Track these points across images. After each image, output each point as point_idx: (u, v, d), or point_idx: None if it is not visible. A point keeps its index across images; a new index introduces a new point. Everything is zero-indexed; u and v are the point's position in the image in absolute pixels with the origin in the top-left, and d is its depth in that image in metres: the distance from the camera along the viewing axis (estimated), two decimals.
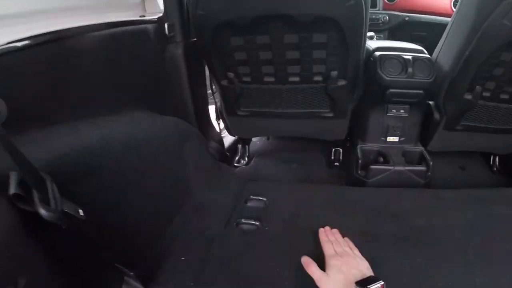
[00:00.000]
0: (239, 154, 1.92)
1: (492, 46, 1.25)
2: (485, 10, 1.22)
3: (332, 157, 1.84)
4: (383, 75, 1.42)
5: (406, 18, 2.41)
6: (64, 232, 0.64)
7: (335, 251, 0.95)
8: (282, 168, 1.80)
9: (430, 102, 1.64)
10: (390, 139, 1.60)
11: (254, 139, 2.08)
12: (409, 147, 1.61)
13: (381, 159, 1.58)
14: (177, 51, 1.43)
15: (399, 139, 1.60)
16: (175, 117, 1.39)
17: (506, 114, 1.51)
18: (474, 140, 1.66)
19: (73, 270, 0.71)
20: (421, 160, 1.60)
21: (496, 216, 1.21)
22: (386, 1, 2.45)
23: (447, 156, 1.81)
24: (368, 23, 1.27)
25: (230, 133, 1.81)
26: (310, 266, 0.89)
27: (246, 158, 1.90)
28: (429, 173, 1.54)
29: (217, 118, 1.79)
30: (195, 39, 1.46)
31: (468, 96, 1.43)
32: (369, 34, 2.33)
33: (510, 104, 1.46)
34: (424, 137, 1.67)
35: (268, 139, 2.09)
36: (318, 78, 1.43)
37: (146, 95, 1.31)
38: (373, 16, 2.41)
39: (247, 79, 1.46)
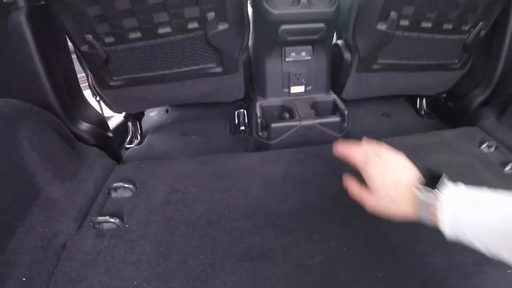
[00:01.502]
0: (130, 133, 1.60)
1: None
2: None
3: (236, 121, 1.57)
4: (269, 9, 1.15)
5: None
6: None
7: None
8: (180, 142, 1.51)
9: (339, 41, 1.40)
10: (294, 89, 1.35)
11: (150, 113, 1.77)
12: (319, 96, 1.38)
13: (287, 115, 1.33)
14: (20, 18, 1.08)
15: (305, 88, 1.36)
16: (6, 98, 1.06)
17: (429, 47, 1.30)
18: (395, 82, 1.46)
19: None
20: (335, 110, 1.37)
21: (445, 164, 1.02)
22: None
23: (368, 103, 1.61)
24: None
25: (112, 110, 1.48)
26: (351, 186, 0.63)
27: (139, 137, 1.59)
28: (346, 124, 1.31)
29: (93, 95, 1.46)
30: (43, 2, 1.12)
31: (382, 26, 1.20)
32: None
33: (434, 34, 1.25)
34: (336, 84, 1.44)
35: (167, 111, 1.79)
36: (193, 24, 1.14)
37: None
38: None
39: (110, 39, 1.14)
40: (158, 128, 1.63)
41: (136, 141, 1.58)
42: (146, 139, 1.57)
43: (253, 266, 0.76)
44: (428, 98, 1.69)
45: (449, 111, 1.58)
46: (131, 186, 1.02)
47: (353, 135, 1.35)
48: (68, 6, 1.02)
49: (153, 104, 1.60)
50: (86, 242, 0.87)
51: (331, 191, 0.96)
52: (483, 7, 1.17)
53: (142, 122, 1.64)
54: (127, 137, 1.60)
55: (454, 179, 0.52)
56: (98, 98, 1.45)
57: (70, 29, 1.10)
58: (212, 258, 0.79)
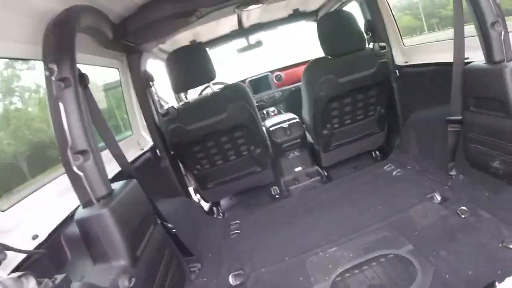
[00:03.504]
0: (215, 212, 3.00)
1: (322, 104, 2.43)
2: (311, 85, 2.41)
3: (273, 193, 2.96)
4: (276, 140, 2.63)
5: (293, 89, 3.71)
6: None
7: None
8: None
9: (311, 141, 2.85)
10: (297, 169, 2.78)
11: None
12: (309, 169, 2.80)
13: (296, 182, 2.75)
14: (166, 162, 2.53)
15: (301, 167, 2.79)
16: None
17: (355, 130, 2.70)
18: (348, 150, 2.84)
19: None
20: (318, 174, 2.77)
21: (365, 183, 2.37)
22: (276, 82, 3.76)
23: (344, 163, 2.97)
24: (259, 122, 2.47)
25: (205, 201, 2.89)
26: None
27: (221, 214, 2.98)
28: (325, 179, 2.70)
29: (195, 193, 2.89)
30: (173, 153, 2.58)
31: (325, 131, 2.63)
32: (271, 109, 3.64)
33: (354, 124, 2.65)
34: (317, 160, 2.85)
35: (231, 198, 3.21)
36: (244, 152, 2.60)
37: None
38: (271, 96, 3.69)
39: (207, 166, 2.60)
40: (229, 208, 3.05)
41: (220, 216, 2.96)
42: (225, 214, 2.96)
43: None
44: (378, 149, 3.02)
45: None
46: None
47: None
48: (188, 155, 2.48)
49: (227, 194, 3.01)
50: None
51: None
52: (376, 101, 2.58)
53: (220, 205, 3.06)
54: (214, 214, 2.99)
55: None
56: (198, 195, 2.87)
57: (188, 163, 2.56)
58: None
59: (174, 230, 1.68)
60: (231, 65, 4.41)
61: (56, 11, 1.33)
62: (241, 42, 3.53)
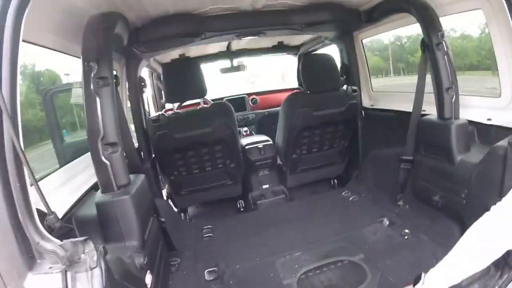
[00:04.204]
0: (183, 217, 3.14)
1: (296, 131, 2.74)
2: (289, 114, 2.72)
3: (238, 206, 3.16)
4: (251, 158, 2.88)
5: (266, 113, 4.02)
6: None
7: None
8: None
9: (280, 162, 3.13)
10: (264, 186, 3.03)
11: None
12: (276, 187, 3.06)
13: (262, 198, 2.99)
14: (147, 165, 2.65)
15: (269, 185, 3.04)
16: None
17: (320, 158, 3.03)
18: (311, 175, 3.15)
19: None
20: (283, 192, 3.04)
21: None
22: (251, 104, 4.05)
23: (305, 187, 3.26)
24: (238, 139, 2.72)
25: (175, 206, 3.03)
26: None
27: (188, 219, 3.12)
28: (288, 198, 2.98)
29: (167, 197, 3.03)
30: (153, 155, 2.72)
31: (294, 156, 2.93)
32: (244, 129, 3.91)
33: (319, 153, 2.99)
34: (283, 180, 3.13)
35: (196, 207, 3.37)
36: (220, 165, 2.81)
37: None
38: (245, 116, 3.96)
39: (184, 173, 2.76)
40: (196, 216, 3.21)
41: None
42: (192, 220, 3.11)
43: None
44: (336, 178, 3.37)
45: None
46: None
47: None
48: (168, 161, 2.64)
49: (197, 202, 3.17)
50: None
51: None
52: (341, 135, 2.94)
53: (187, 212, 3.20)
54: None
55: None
56: (169, 199, 3.01)
57: (166, 169, 2.72)
58: None
59: (164, 225, 1.84)
60: (211, 83, 4.64)
61: (91, 12, 1.50)
62: (225, 63, 3.80)
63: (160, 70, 3.54)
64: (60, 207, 1.36)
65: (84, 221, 1.39)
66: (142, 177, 1.62)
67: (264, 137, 3.13)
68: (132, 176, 1.54)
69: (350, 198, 2.74)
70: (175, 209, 3.07)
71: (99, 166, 1.37)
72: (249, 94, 4.09)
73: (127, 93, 2.49)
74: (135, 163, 1.75)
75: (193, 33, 2.17)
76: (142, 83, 2.57)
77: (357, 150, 3.02)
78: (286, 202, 2.96)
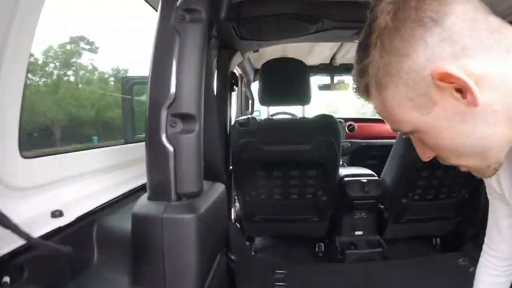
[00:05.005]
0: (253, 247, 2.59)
1: (414, 168, 2.08)
2: (411, 148, 2.07)
3: (316, 249, 2.53)
4: (350, 193, 2.24)
5: (363, 144, 3.36)
6: None
7: None
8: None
9: (382, 206, 2.44)
10: (357, 233, 2.34)
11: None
12: (370, 237, 2.35)
13: (352, 247, 2.30)
14: (222, 177, 2.18)
15: (363, 232, 2.35)
16: None
17: (433, 208, 2.29)
18: (416, 228, 2.41)
19: None
20: (379, 245, 2.32)
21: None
22: (348, 131, 3.43)
23: (400, 243, 2.53)
24: (338, 166, 2.13)
25: (244, 233, 2.49)
26: None
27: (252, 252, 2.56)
28: (385, 253, 2.25)
29: (235, 221, 2.51)
30: (231, 168, 2.22)
31: (404, 200, 2.23)
32: None
33: (434, 201, 2.26)
34: (380, 230, 2.42)
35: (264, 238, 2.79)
36: (309, 195, 2.21)
37: None
38: None
39: (263, 196, 2.23)
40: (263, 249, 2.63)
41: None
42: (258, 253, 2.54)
43: None
44: (441, 237, 2.56)
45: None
46: None
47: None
48: (248, 178, 2.12)
49: (271, 233, 2.61)
50: None
51: None
52: (463, 183, 2.17)
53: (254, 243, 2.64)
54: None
55: None
56: (239, 226, 2.48)
57: (244, 187, 2.19)
58: None
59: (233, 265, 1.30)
60: None
61: None
62: (325, 79, 3.28)
63: (251, 75, 3.15)
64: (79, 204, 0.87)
65: (109, 236, 0.88)
66: (221, 188, 1.06)
67: (367, 170, 2.47)
68: (206, 184, 0.98)
69: (470, 269, 1.92)
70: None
71: (154, 152, 0.82)
72: (346, 120, 3.49)
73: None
74: (216, 168, 1.20)
75: (309, 18, 1.68)
76: (233, 80, 2.15)
77: (478, 201, 2.23)
78: (382, 259, 2.24)
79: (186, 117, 0.83)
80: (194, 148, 0.83)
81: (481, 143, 0.54)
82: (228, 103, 2.15)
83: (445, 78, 0.49)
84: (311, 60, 3.01)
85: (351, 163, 3.32)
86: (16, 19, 0.64)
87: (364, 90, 0.59)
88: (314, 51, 2.76)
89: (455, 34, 0.48)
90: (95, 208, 0.88)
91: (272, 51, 2.56)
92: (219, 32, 1.80)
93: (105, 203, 0.92)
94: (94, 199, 0.91)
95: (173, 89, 0.81)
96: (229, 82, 2.09)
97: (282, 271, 1.97)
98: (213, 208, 0.93)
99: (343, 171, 2.46)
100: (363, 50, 0.56)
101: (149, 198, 0.85)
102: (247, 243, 2.57)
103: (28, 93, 0.96)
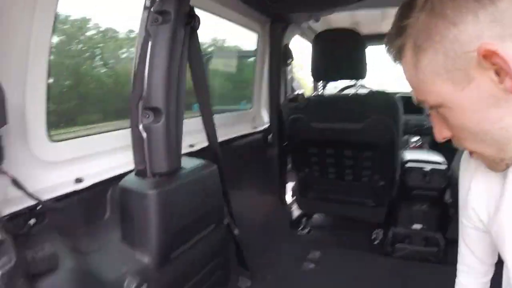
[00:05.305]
0: (303, 223, 2.60)
1: None
2: None
3: (373, 237, 2.38)
4: (408, 181, 2.03)
5: None
6: None
7: None
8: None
9: (449, 200, 2.14)
10: (415, 226, 2.13)
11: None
12: (430, 233, 2.10)
13: (407, 240, 2.11)
14: (274, 152, 2.22)
15: (422, 226, 2.11)
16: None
17: None
18: None
19: None
20: (438, 244, 2.07)
21: None
22: None
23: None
24: (398, 150, 1.94)
25: (300, 208, 2.51)
26: None
27: (306, 229, 2.54)
28: (441, 254, 2.00)
29: (292, 196, 2.53)
30: (285, 143, 2.24)
31: None
32: (414, 138, 2.95)
33: None
34: (443, 227, 2.15)
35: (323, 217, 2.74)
36: (365, 178, 2.08)
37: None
38: (419, 122, 2.96)
39: (317, 173, 2.18)
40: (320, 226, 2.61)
41: (305, 230, 2.55)
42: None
43: None
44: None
45: None
46: None
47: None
48: (300, 154, 2.09)
49: (326, 212, 2.58)
50: None
51: None
52: None
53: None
54: (300, 225, 2.58)
55: None
56: (293, 198, 2.50)
57: (297, 163, 2.17)
58: None
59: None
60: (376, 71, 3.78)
61: None
62: None
63: None
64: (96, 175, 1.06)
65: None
66: (211, 168, 1.16)
67: (438, 157, 2.17)
68: (194, 163, 1.12)
69: None
70: (296, 212, 2.57)
71: (135, 138, 0.99)
72: None
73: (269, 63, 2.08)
74: (213, 146, 1.30)
75: None
76: (288, 54, 2.09)
77: None
78: (436, 260, 2.00)
79: (155, 110, 0.98)
80: (163, 135, 0.96)
81: (503, 134, 0.53)
82: (282, 77, 2.12)
83: (491, 56, 0.48)
84: (384, 27, 2.70)
85: (433, 147, 2.95)
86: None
87: (397, 51, 0.57)
88: (386, 18, 2.48)
89: (506, 19, 0.47)
90: (109, 178, 1.08)
91: (338, 20, 2.38)
92: (268, 9, 1.77)
93: (117, 175, 1.08)
94: (109, 171, 1.10)
95: (145, 86, 0.96)
96: (281, 56, 2.05)
97: (316, 252, 1.96)
98: (191, 186, 1.06)
99: (408, 154, 2.22)
100: (407, 9, 0.54)
101: (136, 174, 1.04)
102: (303, 219, 2.59)
103: None
